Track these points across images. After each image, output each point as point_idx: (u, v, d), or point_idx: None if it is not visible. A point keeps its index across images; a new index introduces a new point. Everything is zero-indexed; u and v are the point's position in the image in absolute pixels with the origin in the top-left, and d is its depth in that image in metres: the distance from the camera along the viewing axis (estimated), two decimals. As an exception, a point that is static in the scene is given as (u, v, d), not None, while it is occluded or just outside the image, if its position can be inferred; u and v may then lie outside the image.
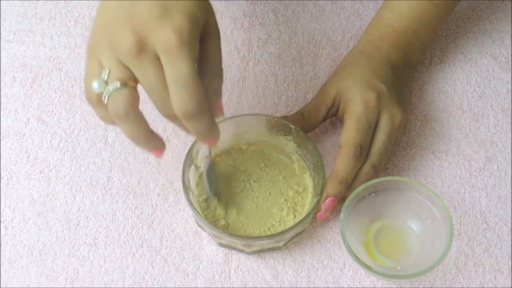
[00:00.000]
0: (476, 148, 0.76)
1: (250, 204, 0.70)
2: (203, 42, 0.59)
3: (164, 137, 0.76)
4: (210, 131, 0.59)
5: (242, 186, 0.71)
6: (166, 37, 0.55)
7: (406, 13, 0.75)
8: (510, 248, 0.70)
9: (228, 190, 0.71)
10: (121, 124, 0.58)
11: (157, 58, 0.56)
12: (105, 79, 0.57)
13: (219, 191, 0.70)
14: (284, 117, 0.72)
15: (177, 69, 0.55)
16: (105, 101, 0.58)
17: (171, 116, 0.58)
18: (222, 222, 0.69)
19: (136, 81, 0.57)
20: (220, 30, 0.61)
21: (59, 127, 0.77)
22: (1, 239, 0.70)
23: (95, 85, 0.58)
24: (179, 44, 0.55)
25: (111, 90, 0.57)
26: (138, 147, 0.60)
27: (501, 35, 0.84)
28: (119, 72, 0.57)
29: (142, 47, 0.55)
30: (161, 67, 0.56)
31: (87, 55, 0.60)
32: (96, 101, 0.59)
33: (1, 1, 0.87)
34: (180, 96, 0.56)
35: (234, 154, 0.73)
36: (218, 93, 0.62)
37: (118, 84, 0.57)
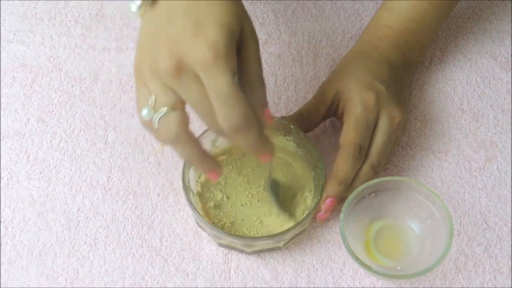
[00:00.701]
0: (476, 148, 0.76)
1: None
2: (240, 50, 0.57)
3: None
4: (261, 144, 0.58)
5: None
6: (201, 54, 0.54)
7: (405, 13, 0.75)
8: (510, 248, 0.70)
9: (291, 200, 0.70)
10: (174, 147, 0.59)
11: (197, 76, 0.55)
12: (153, 105, 0.57)
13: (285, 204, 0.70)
14: (284, 117, 0.72)
15: (217, 85, 0.54)
16: (156, 127, 0.57)
17: (222, 132, 0.57)
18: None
19: (183, 102, 0.57)
20: (252, 22, 0.59)
21: (59, 127, 0.77)
22: (1, 239, 0.70)
23: (144, 112, 0.57)
24: (215, 59, 0.54)
25: (159, 116, 0.57)
26: (195, 167, 0.60)
27: (501, 35, 0.84)
28: (165, 96, 0.56)
29: (180, 67, 0.55)
30: (202, 85, 0.55)
31: (135, 78, 0.59)
32: (150, 126, 0.58)
33: (1, 1, 0.87)
34: (224, 111, 0.55)
35: (235, 155, 0.73)
36: (263, 102, 0.59)
37: (165, 109, 0.56)
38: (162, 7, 0.56)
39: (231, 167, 0.72)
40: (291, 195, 0.70)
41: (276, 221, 0.69)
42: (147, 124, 0.58)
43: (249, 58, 0.57)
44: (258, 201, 0.70)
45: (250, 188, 0.71)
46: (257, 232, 0.69)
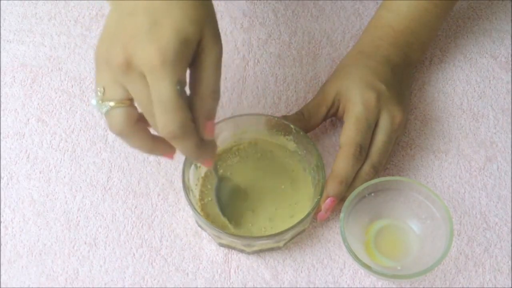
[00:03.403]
0: (476, 148, 0.76)
1: (253, 208, 0.70)
2: (197, 59, 0.56)
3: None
4: (198, 152, 0.58)
5: (246, 197, 0.71)
6: (149, 57, 0.53)
7: (405, 12, 0.75)
8: (510, 248, 0.70)
9: (236, 207, 0.70)
10: (122, 139, 0.59)
11: (144, 76, 0.54)
12: (101, 97, 0.57)
13: (228, 210, 0.69)
14: (284, 117, 0.72)
15: (159, 90, 0.54)
16: (103, 119, 0.57)
17: (162, 135, 0.57)
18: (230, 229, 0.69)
19: (131, 98, 0.57)
20: (220, 30, 0.59)
21: (59, 127, 0.77)
22: (1, 239, 0.70)
23: (93, 102, 0.57)
24: (162, 64, 0.53)
25: (105, 110, 0.57)
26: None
27: (501, 35, 0.84)
28: (113, 90, 0.56)
29: (129, 64, 0.54)
30: (148, 85, 0.55)
31: (95, 66, 0.59)
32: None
33: (1, 1, 0.87)
34: (162, 117, 0.55)
35: (233, 155, 0.73)
36: (210, 115, 0.58)
37: (110, 104, 0.56)
38: (128, 0, 0.56)
39: (231, 166, 0.72)
40: (236, 200, 0.70)
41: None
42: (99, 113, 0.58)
43: (204, 69, 0.57)
44: (259, 201, 0.71)
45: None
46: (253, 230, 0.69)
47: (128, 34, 0.55)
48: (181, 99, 0.55)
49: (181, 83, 0.55)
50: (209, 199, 0.70)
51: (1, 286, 0.68)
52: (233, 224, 0.69)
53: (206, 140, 0.58)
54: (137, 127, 0.58)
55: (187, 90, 0.57)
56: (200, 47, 0.56)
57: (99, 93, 0.57)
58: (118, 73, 0.55)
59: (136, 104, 0.57)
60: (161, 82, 0.54)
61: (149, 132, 0.59)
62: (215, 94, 0.58)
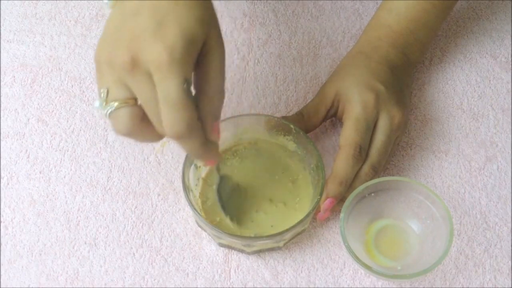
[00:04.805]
0: (476, 148, 0.76)
1: (257, 209, 0.70)
2: (203, 59, 0.57)
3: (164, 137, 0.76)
4: (203, 152, 0.58)
5: (249, 198, 0.71)
6: (157, 55, 0.53)
7: (404, 13, 0.75)
8: (510, 248, 0.70)
9: (239, 206, 0.70)
10: (127, 138, 0.58)
11: (150, 75, 0.54)
12: (104, 98, 0.56)
13: (230, 208, 0.69)
14: (284, 117, 0.72)
15: (166, 89, 0.54)
16: (107, 120, 0.57)
17: (166, 135, 0.57)
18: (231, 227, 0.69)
19: (135, 98, 0.57)
20: (220, 30, 0.59)
21: (59, 127, 0.77)
22: (1, 239, 0.70)
23: (96, 104, 0.57)
24: (169, 63, 0.53)
25: (109, 111, 0.56)
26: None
27: (501, 35, 0.84)
28: (117, 90, 0.56)
29: (135, 63, 0.54)
30: (154, 84, 0.55)
31: (95, 68, 0.59)
32: (105, 118, 0.58)
33: (1, 1, 0.87)
34: (168, 116, 0.55)
35: (233, 155, 0.73)
36: (215, 115, 0.59)
37: (115, 104, 0.56)
38: (131, 2, 0.56)
39: (231, 166, 0.72)
40: (238, 199, 0.70)
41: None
42: (102, 116, 0.58)
43: (210, 68, 0.57)
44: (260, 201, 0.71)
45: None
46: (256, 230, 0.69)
47: (133, 34, 0.55)
48: (188, 98, 0.55)
49: (188, 82, 0.55)
50: (209, 199, 0.70)
51: (1, 286, 0.68)
52: (234, 221, 0.69)
53: (211, 139, 0.59)
54: (142, 124, 0.58)
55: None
56: (206, 47, 0.56)
57: (102, 94, 0.57)
58: (122, 73, 0.55)
59: (140, 104, 0.57)
60: (168, 81, 0.54)
61: (151, 126, 0.58)
62: (222, 94, 0.58)
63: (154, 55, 0.53)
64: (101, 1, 0.58)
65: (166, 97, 0.54)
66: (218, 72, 0.57)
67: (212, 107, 0.58)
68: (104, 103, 0.57)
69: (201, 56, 0.56)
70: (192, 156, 0.59)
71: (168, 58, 0.53)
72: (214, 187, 0.70)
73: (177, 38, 0.54)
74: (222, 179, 0.69)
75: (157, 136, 0.59)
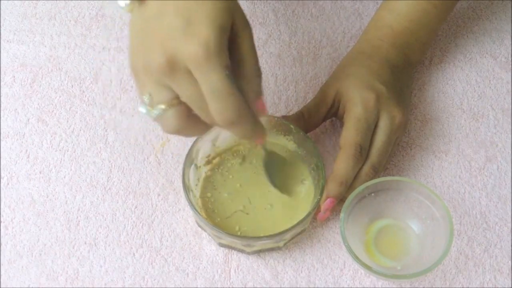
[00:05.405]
0: (476, 148, 0.76)
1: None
2: (233, 43, 0.57)
3: (164, 137, 0.76)
4: (255, 133, 0.59)
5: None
6: (193, 52, 0.54)
7: (405, 13, 0.75)
8: (510, 248, 0.70)
9: (284, 179, 0.71)
10: (177, 135, 0.60)
11: (190, 72, 0.55)
12: (149, 103, 0.58)
13: (278, 180, 0.71)
14: (284, 117, 0.72)
15: (210, 81, 0.55)
16: (156, 123, 0.59)
17: (217, 124, 0.58)
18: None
19: (178, 97, 0.57)
20: (243, 10, 0.59)
21: (59, 127, 0.77)
22: (1, 239, 0.70)
23: (142, 110, 0.58)
24: (207, 57, 0.54)
25: (156, 114, 0.58)
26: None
27: (501, 35, 0.84)
28: (160, 94, 0.57)
29: (172, 64, 0.55)
30: (195, 80, 0.55)
31: (133, 77, 0.59)
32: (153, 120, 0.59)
33: (1, 1, 0.87)
34: (217, 106, 0.56)
35: (234, 155, 0.73)
36: (258, 92, 0.60)
37: (161, 107, 0.57)
38: (152, 5, 0.57)
39: (231, 165, 0.72)
40: (288, 172, 0.71)
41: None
42: (150, 119, 0.59)
43: (242, 50, 0.58)
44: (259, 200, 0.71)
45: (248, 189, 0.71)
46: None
47: (163, 36, 0.55)
48: (232, 84, 0.56)
49: (228, 68, 0.56)
50: (209, 198, 0.70)
51: (1, 286, 0.68)
52: (284, 193, 0.70)
53: (259, 118, 0.60)
54: (190, 120, 0.59)
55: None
56: (233, 30, 0.57)
57: (146, 100, 0.57)
58: (161, 76, 0.56)
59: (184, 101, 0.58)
60: (211, 73, 0.54)
61: (200, 121, 0.60)
62: (259, 71, 0.59)
63: (190, 53, 0.54)
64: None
65: (212, 90, 0.55)
66: (251, 51, 0.58)
67: (253, 86, 0.59)
68: (150, 108, 0.58)
69: (230, 40, 0.57)
70: (242, 138, 0.60)
71: (205, 53, 0.54)
72: (211, 187, 0.70)
73: (209, 31, 0.54)
74: (269, 154, 0.70)
75: (205, 128, 0.60)
